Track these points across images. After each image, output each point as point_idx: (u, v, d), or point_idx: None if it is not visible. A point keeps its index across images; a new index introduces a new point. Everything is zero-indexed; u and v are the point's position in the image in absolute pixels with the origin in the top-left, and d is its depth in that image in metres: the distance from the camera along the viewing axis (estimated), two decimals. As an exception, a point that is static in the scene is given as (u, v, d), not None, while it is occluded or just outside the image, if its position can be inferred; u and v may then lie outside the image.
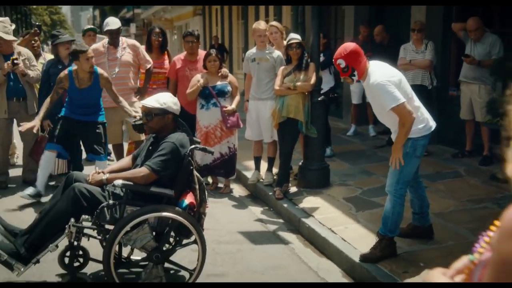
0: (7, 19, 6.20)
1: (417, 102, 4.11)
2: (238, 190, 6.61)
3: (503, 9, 6.87)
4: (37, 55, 6.72)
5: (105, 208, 3.39)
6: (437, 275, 1.23)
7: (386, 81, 3.85)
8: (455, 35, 6.97)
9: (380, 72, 3.95)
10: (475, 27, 6.36)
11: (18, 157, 7.24)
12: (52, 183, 6.33)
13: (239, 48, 17.52)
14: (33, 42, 6.75)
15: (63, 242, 3.60)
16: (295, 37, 5.92)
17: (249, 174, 6.63)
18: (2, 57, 6.03)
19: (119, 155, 6.47)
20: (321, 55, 7.16)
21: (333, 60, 4.07)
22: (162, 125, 3.80)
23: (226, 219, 5.40)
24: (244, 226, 5.25)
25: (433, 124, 4.16)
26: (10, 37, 5.96)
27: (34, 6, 54.75)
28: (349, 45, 4.05)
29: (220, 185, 6.56)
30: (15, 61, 5.85)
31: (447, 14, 7.54)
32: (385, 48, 7.86)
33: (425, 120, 4.08)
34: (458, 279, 1.18)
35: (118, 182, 3.39)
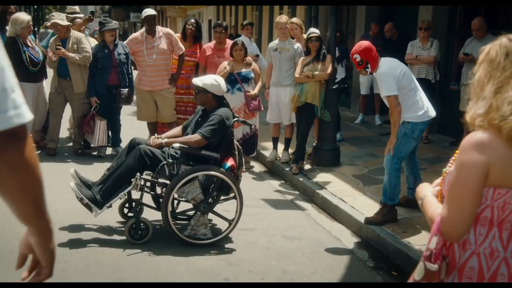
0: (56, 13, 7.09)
1: (420, 92, 4.88)
2: (257, 166, 7.38)
3: (505, 11, 7.60)
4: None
5: (165, 166, 4.21)
6: (425, 185, 2.02)
7: (388, 73, 4.66)
8: (458, 34, 7.71)
9: (386, 65, 4.76)
10: (477, 27, 7.11)
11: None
12: (95, 153, 7.18)
13: (253, 38, 18.19)
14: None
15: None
16: (314, 31, 6.67)
17: (267, 153, 7.41)
18: (60, 41, 6.93)
19: (153, 131, 7.23)
20: (337, 49, 7.90)
21: (350, 55, 4.85)
22: (204, 101, 4.61)
23: (249, 188, 6.16)
24: (265, 194, 6.05)
25: (432, 113, 4.92)
26: (65, 23, 6.87)
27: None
28: (363, 43, 4.87)
29: (241, 161, 7.33)
30: (57, 47, 6.80)
31: (452, 15, 8.30)
32: (394, 44, 8.59)
33: (424, 108, 4.84)
34: (436, 183, 1.97)
35: (176, 145, 4.21)
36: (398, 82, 4.65)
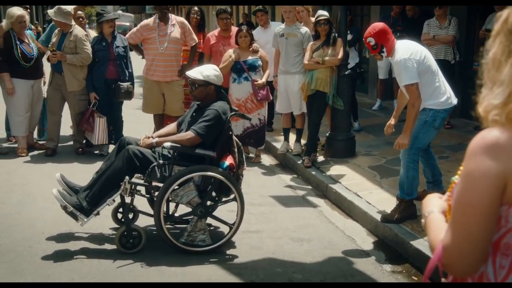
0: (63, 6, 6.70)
1: (441, 76, 4.40)
2: (267, 159, 6.99)
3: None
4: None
5: (156, 167, 3.83)
6: (433, 196, 1.59)
7: (408, 59, 4.15)
8: (480, 11, 7.14)
9: (405, 50, 4.23)
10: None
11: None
12: (96, 151, 6.86)
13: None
14: (80, 19, 7.14)
15: (117, 200, 4.06)
16: (323, 13, 6.20)
17: (278, 145, 7.01)
18: (61, 34, 6.63)
19: (160, 125, 6.86)
20: (348, 32, 7.40)
21: (363, 38, 4.38)
22: (205, 95, 4.20)
23: (258, 184, 5.80)
24: (275, 190, 5.65)
25: (455, 100, 4.43)
26: (67, 21, 6.53)
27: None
28: (377, 25, 4.37)
29: (251, 155, 6.94)
30: (53, 52, 6.50)
31: (472, -10, 7.72)
32: (415, 22, 8.04)
33: (447, 94, 4.36)
34: (445, 196, 1.54)
35: (167, 144, 3.82)
36: (419, 67, 4.17)
